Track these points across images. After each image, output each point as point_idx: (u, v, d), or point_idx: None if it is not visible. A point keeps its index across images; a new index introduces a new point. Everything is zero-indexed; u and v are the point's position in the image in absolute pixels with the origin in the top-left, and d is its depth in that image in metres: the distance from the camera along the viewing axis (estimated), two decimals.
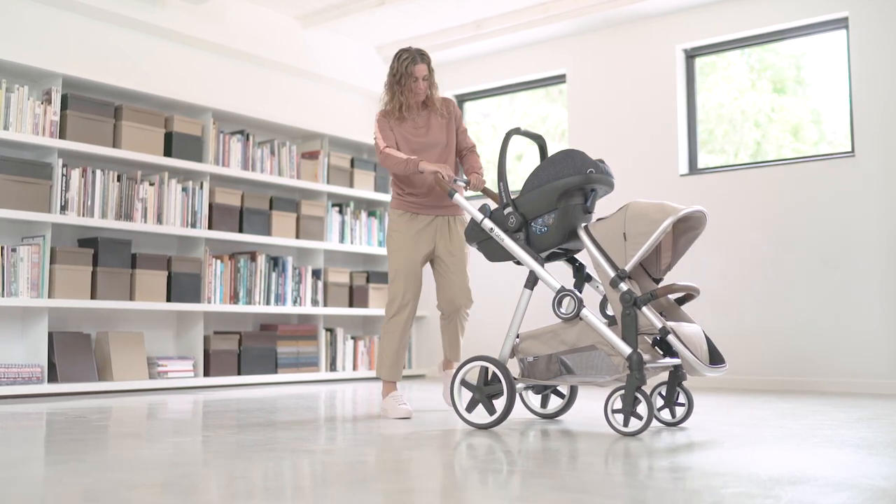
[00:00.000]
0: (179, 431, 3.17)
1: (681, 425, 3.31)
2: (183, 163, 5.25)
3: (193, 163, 5.30)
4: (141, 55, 5.48)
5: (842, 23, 5.24)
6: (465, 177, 3.86)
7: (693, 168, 5.76)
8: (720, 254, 5.47)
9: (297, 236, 5.94)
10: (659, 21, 5.88)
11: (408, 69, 3.76)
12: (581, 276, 3.44)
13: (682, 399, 3.32)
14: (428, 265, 3.96)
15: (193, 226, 5.32)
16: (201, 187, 5.37)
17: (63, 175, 4.75)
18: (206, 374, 5.33)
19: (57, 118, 4.75)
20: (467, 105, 6.96)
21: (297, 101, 6.39)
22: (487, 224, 3.36)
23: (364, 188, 6.40)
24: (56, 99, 4.76)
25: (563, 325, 3.20)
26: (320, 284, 6.05)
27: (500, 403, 3.25)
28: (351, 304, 6.25)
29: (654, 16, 5.89)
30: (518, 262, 3.36)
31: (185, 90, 5.60)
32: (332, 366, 6.09)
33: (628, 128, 5.95)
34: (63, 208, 4.74)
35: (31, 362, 4.58)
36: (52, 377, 4.67)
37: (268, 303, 5.72)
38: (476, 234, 3.45)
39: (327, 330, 6.10)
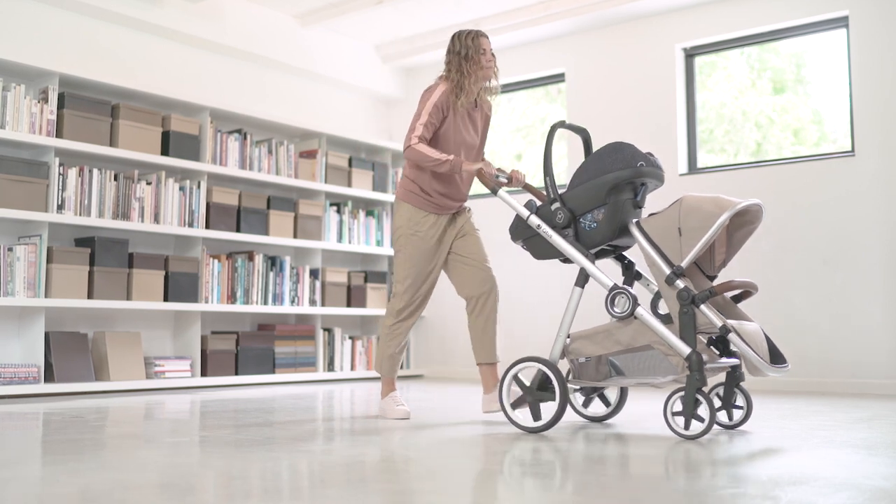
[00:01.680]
0: (177, 431, 3.15)
1: (740, 428, 3.19)
2: (180, 162, 5.23)
3: (191, 162, 5.29)
4: (138, 54, 5.46)
5: (842, 21, 5.23)
6: (506, 172, 3.65)
7: (693, 168, 5.75)
8: None
9: (295, 236, 5.92)
10: (658, 20, 5.87)
11: (475, 42, 3.57)
12: (630, 274, 3.31)
13: (740, 401, 3.20)
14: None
15: (191, 225, 5.30)
16: (198, 186, 5.35)
17: (60, 174, 4.73)
18: (204, 374, 5.31)
19: (54, 117, 4.73)
20: None
21: (294, 99, 6.38)
22: (534, 220, 3.24)
23: (362, 188, 6.38)
24: (53, 98, 4.74)
25: (617, 324, 3.08)
26: (318, 284, 6.03)
27: (549, 406, 3.12)
28: (349, 304, 6.24)
29: (653, 15, 5.88)
30: (564, 260, 3.26)
31: (182, 89, 5.58)
32: (330, 366, 6.08)
33: (628, 127, 5.93)
34: (60, 207, 4.73)
35: (27, 362, 4.56)
36: (49, 377, 4.65)
37: (265, 303, 5.71)
38: (521, 232, 3.33)
39: (325, 330, 6.09)
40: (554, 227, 3.20)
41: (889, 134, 4.98)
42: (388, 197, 6.52)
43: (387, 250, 6.51)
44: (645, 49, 5.91)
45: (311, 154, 6.11)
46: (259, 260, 5.67)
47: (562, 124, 3.30)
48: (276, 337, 5.75)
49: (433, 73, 6.84)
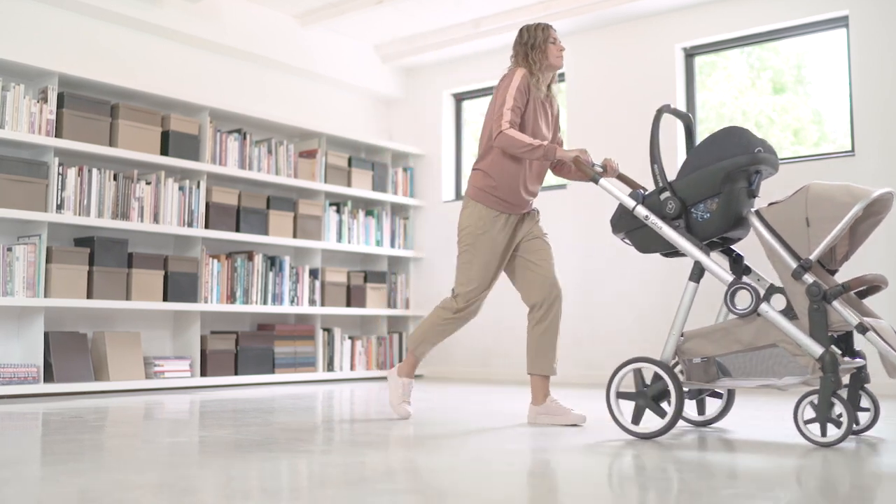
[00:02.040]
0: (176, 432, 3.15)
1: (866, 433, 3.02)
2: (180, 162, 5.22)
3: (190, 162, 5.28)
4: (137, 53, 5.46)
5: (842, 21, 5.23)
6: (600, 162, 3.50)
7: None
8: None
9: (295, 236, 5.92)
10: (658, 20, 5.87)
11: (545, 32, 3.48)
12: (739, 268, 3.12)
13: (865, 404, 3.03)
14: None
15: (190, 225, 5.29)
16: (198, 186, 5.35)
17: (59, 174, 4.72)
18: (203, 374, 5.31)
19: (53, 117, 4.73)
20: (465, 104, 6.95)
21: (294, 99, 6.38)
22: (641, 211, 3.06)
23: (362, 187, 6.38)
24: (52, 97, 4.73)
25: (737, 321, 2.89)
26: (318, 284, 6.03)
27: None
28: (348, 304, 6.23)
29: (653, 14, 5.88)
30: (669, 254, 3.11)
31: (181, 89, 5.58)
32: (330, 366, 6.07)
33: (628, 127, 5.93)
34: (59, 207, 4.72)
35: (27, 362, 4.56)
36: (49, 377, 4.65)
37: (265, 302, 5.70)
38: (625, 223, 3.14)
39: (325, 330, 6.08)
40: (663, 217, 3.02)
41: (889, 134, 4.98)
42: (388, 197, 6.51)
43: (386, 250, 6.50)
44: (645, 49, 5.90)
45: (310, 154, 6.11)
46: (258, 260, 5.67)
47: (667, 108, 3.16)
48: (276, 337, 5.74)
49: (433, 73, 6.89)
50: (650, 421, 3.03)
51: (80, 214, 4.81)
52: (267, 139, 5.86)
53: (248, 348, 5.55)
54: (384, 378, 6.35)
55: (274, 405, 4.17)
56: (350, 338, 6.26)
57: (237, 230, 5.57)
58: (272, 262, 5.78)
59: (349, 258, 6.57)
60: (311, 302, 5.99)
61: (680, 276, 5.51)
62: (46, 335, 4.67)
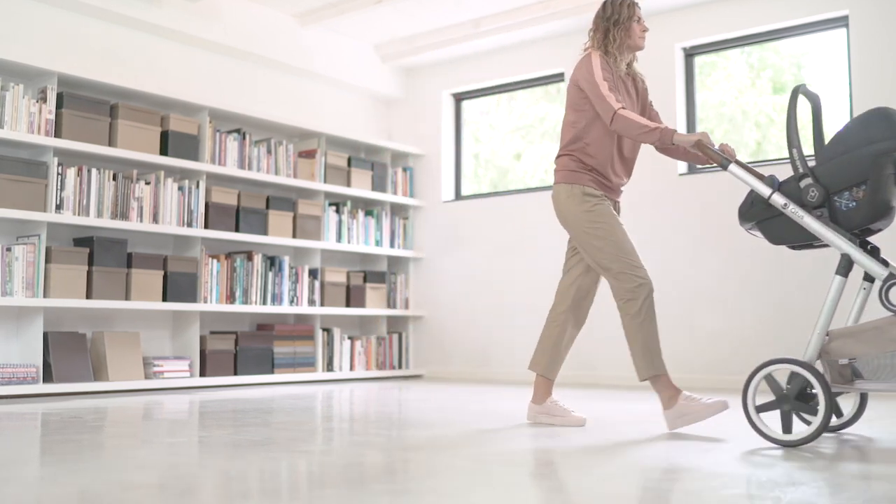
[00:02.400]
0: (175, 432, 3.14)
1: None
2: (179, 162, 5.22)
3: (190, 162, 5.28)
4: (137, 53, 5.46)
5: (842, 21, 5.23)
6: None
7: (692, 167, 5.74)
8: (720, 254, 5.45)
9: (294, 236, 5.91)
10: (658, 20, 5.86)
11: (630, 8, 3.34)
12: (877, 261, 2.88)
13: None
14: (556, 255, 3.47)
15: (189, 225, 5.29)
16: (197, 186, 5.34)
17: (59, 174, 4.72)
18: (203, 374, 5.30)
19: (52, 117, 4.72)
20: (465, 104, 6.94)
21: (294, 99, 6.37)
22: (779, 199, 2.84)
23: (361, 187, 6.38)
24: (51, 97, 4.73)
25: (892, 319, 2.69)
26: (317, 284, 6.02)
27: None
28: (348, 304, 6.23)
29: (653, 14, 5.87)
30: (795, 247, 2.95)
31: (181, 88, 5.57)
32: (329, 366, 6.07)
33: None
34: (59, 207, 4.72)
35: (26, 362, 4.55)
36: (48, 377, 4.64)
37: (264, 302, 5.70)
38: (757, 212, 2.93)
39: (324, 330, 6.08)
40: (804, 206, 2.81)
41: None
42: (388, 197, 6.51)
43: (385, 250, 6.50)
44: (645, 49, 5.89)
45: (310, 154, 6.10)
46: (258, 260, 5.66)
47: (802, 88, 2.97)
48: (275, 337, 5.74)
49: (433, 73, 6.88)
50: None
51: (79, 214, 4.80)
52: (266, 139, 5.86)
53: (247, 348, 5.55)
54: (384, 378, 6.35)
55: (273, 405, 4.17)
56: (349, 338, 6.25)
57: (236, 230, 5.57)
58: (272, 262, 5.78)
59: (349, 258, 6.56)
60: (311, 302, 5.98)
61: (675, 275, 5.51)
62: (45, 335, 4.67)
